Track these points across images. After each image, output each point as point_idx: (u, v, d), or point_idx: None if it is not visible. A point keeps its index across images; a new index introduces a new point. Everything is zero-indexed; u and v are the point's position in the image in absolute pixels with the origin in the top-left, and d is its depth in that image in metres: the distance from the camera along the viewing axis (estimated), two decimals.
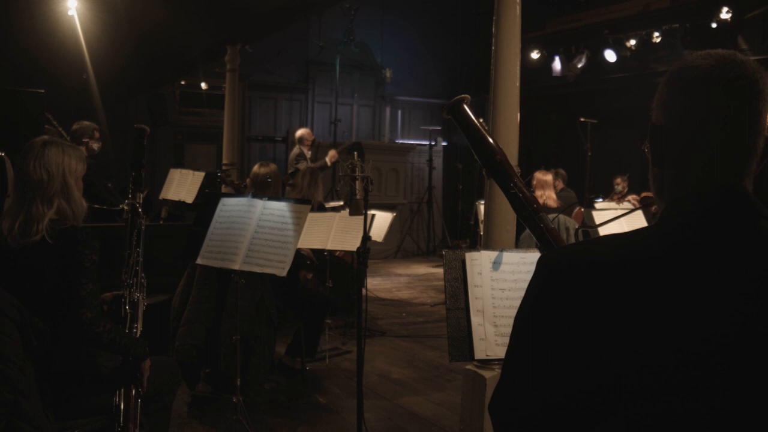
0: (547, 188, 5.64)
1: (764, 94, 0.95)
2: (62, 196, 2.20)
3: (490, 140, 1.64)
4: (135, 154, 2.59)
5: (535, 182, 5.72)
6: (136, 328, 2.34)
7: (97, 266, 2.16)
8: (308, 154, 7.72)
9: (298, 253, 4.51)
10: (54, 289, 2.11)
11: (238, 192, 4.93)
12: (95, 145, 5.00)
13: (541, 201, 5.76)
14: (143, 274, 2.45)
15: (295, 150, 7.91)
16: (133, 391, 2.22)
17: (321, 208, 5.37)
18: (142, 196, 2.54)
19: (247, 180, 4.45)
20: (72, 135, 4.93)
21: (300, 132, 7.91)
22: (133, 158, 2.59)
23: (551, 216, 5.21)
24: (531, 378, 0.95)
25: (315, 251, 4.79)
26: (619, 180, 8.38)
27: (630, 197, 7.73)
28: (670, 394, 0.84)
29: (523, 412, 0.95)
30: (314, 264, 4.83)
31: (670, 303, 0.88)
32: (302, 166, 7.41)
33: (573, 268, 0.96)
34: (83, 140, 4.91)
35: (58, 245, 2.12)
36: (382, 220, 5.61)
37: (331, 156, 7.75)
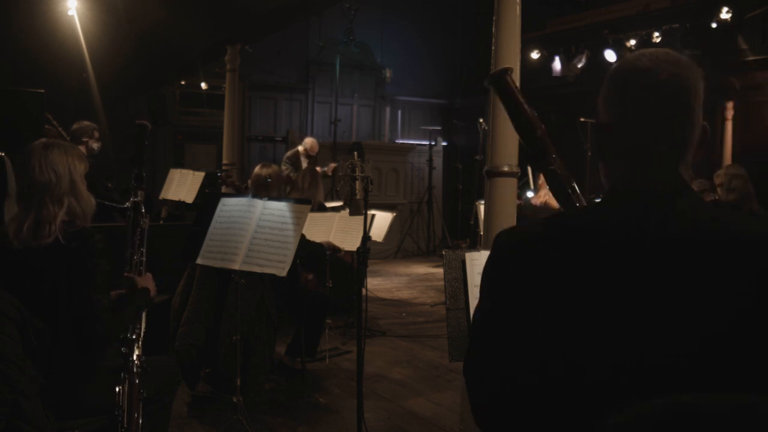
0: None
1: (696, 90, 1.01)
2: (71, 195, 2.21)
3: (531, 115, 1.61)
4: (136, 152, 2.56)
5: (541, 181, 5.76)
6: (139, 328, 2.34)
7: (109, 274, 2.17)
8: (304, 162, 7.75)
9: (320, 246, 4.52)
10: (59, 290, 2.11)
11: (239, 193, 4.92)
12: (95, 145, 4.99)
13: (543, 200, 5.77)
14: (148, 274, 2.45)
15: (291, 152, 7.94)
16: (135, 380, 2.22)
17: (321, 209, 5.37)
18: (143, 194, 2.52)
19: (249, 181, 4.45)
20: (72, 135, 4.93)
21: (308, 139, 7.98)
22: (135, 155, 2.55)
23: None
24: (485, 349, 1.03)
25: (315, 251, 4.79)
26: None
27: None
28: (700, 386, 0.85)
29: (490, 385, 1.01)
30: (337, 250, 4.77)
31: (695, 293, 0.89)
32: (287, 170, 7.46)
33: (511, 242, 1.05)
34: (83, 140, 4.91)
35: (71, 247, 2.13)
36: (382, 220, 5.61)
37: (330, 168, 7.87)
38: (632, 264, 0.91)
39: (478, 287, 2.03)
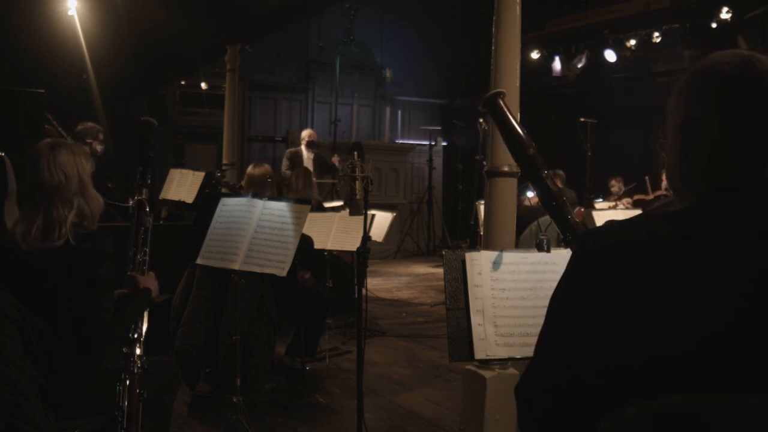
0: None
1: None
2: (81, 196, 2.20)
3: (523, 134, 1.70)
4: (142, 149, 2.51)
5: None
6: (141, 328, 2.34)
7: (113, 277, 2.17)
8: (307, 155, 7.68)
9: (307, 241, 4.47)
10: (66, 291, 2.11)
11: (233, 192, 4.92)
12: (99, 147, 4.96)
13: (535, 201, 5.79)
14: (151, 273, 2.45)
15: (293, 150, 7.91)
16: (135, 381, 2.23)
17: (319, 208, 5.36)
18: (148, 193, 2.50)
19: (243, 182, 4.44)
20: (76, 136, 4.90)
21: (305, 132, 7.96)
22: (140, 153, 2.50)
23: (549, 217, 5.20)
24: (564, 360, 0.98)
25: (315, 251, 4.78)
26: (613, 182, 8.37)
27: (623, 200, 7.74)
28: (699, 386, 0.85)
29: (551, 387, 0.99)
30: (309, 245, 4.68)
31: (696, 293, 0.89)
32: (284, 166, 7.42)
33: (612, 253, 0.99)
34: (87, 141, 4.88)
35: (81, 249, 2.12)
36: (382, 220, 5.61)
37: (336, 159, 7.87)
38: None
39: (479, 287, 2.04)
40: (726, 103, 0.99)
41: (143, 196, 2.44)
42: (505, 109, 1.73)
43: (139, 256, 2.38)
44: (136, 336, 2.29)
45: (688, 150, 1.03)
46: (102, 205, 2.29)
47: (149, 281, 2.37)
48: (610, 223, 1.03)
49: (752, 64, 0.99)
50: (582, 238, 1.09)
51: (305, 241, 4.40)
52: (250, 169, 4.33)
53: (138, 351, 2.27)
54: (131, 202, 2.45)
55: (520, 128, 1.71)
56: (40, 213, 2.13)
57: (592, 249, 1.02)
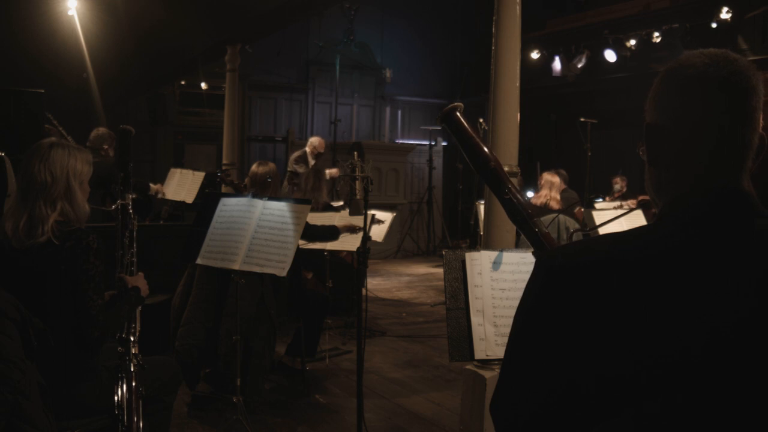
0: (553, 189, 5.82)
1: (757, 91, 0.96)
2: (65, 199, 2.22)
3: (484, 148, 1.64)
4: (121, 155, 2.57)
5: (543, 182, 5.90)
6: (134, 328, 2.34)
7: (103, 274, 2.18)
8: (311, 161, 7.68)
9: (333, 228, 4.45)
10: (54, 290, 2.12)
11: (238, 192, 4.92)
12: (112, 153, 4.97)
13: (543, 200, 5.84)
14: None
15: (299, 154, 7.88)
16: (133, 380, 2.23)
17: (327, 208, 5.35)
18: (131, 196, 2.52)
19: (246, 180, 4.45)
20: (91, 141, 4.91)
21: (313, 139, 7.91)
22: (120, 159, 2.57)
23: (551, 216, 5.23)
24: (532, 376, 0.96)
25: (315, 251, 4.79)
26: (617, 179, 8.38)
27: (629, 201, 7.74)
28: (673, 392, 0.84)
29: (525, 410, 0.96)
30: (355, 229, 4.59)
31: (667, 301, 0.88)
32: (301, 168, 7.40)
33: (572, 267, 0.97)
34: (104, 146, 4.90)
35: (64, 247, 2.14)
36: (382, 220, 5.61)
37: (331, 173, 7.82)
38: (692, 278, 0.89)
39: (479, 287, 2.04)
40: (702, 106, 0.95)
41: (126, 201, 2.46)
42: (464, 122, 1.68)
43: (126, 258, 2.40)
44: (131, 335, 2.29)
45: (665, 156, 0.99)
46: (88, 212, 2.33)
47: (138, 281, 2.40)
48: (579, 240, 1.01)
49: (717, 63, 0.95)
50: (544, 253, 1.06)
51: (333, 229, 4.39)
52: (254, 167, 4.33)
53: (134, 350, 2.28)
54: (113, 206, 2.48)
55: (481, 141, 1.66)
56: (27, 210, 2.17)
57: (559, 263, 0.99)
